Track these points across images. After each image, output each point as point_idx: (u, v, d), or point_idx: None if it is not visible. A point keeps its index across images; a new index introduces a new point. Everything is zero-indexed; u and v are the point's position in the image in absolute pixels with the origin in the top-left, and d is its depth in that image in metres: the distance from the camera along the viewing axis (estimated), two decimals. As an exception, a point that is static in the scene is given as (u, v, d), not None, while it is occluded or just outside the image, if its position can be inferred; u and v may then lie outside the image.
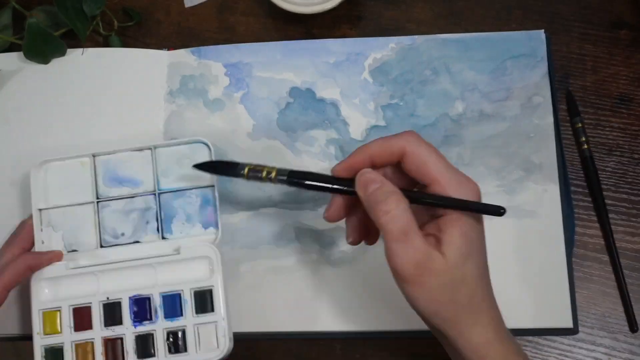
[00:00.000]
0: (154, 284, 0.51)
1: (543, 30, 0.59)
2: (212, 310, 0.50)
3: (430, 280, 0.39)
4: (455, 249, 0.40)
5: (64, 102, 0.60)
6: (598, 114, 0.57)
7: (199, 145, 0.55)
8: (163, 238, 0.53)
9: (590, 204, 0.55)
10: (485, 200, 0.54)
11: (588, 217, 0.55)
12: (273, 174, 0.46)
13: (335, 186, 0.43)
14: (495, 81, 0.58)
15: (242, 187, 0.57)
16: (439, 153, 0.42)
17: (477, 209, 0.41)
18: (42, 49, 0.60)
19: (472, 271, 0.40)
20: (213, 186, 0.54)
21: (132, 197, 0.54)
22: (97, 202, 0.54)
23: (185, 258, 0.51)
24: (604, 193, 0.55)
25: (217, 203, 0.53)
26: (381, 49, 0.60)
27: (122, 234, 0.54)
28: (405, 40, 0.60)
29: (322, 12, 0.59)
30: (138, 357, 0.50)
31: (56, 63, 0.62)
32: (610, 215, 0.55)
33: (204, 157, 0.54)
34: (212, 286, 0.50)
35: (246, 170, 0.47)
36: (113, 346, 0.50)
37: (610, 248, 0.54)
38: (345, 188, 0.43)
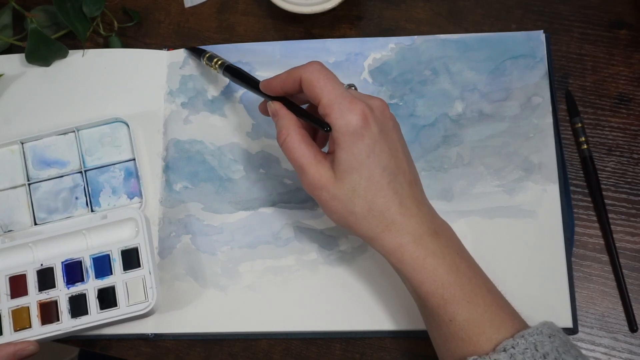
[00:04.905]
0: (84, 248, 0.54)
1: (542, 30, 0.59)
2: (139, 266, 0.53)
3: (322, 194, 0.45)
4: (339, 165, 0.44)
5: (65, 102, 0.61)
6: (597, 114, 0.57)
7: (119, 123, 0.59)
8: (92, 211, 0.58)
9: (589, 203, 0.55)
10: (485, 200, 0.55)
11: (588, 217, 0.55)
12: (218, 64, 0.56)
13: (252, 87, 0.52)
14: (494, 81, 0.58)
15: (241, 187, 0.57)
16: (331, 79, 0.45)
17: (310, 119, 0.46)
18: (44, 54, 0.60)
19: (361, 183, 0.44)
20: (134, 159, 0.58)
21: (61, 176, 0.58)
22: (29, 184, 0.58)
23: (113, 222, 0.54)
24: (604, 193, 0.55)
25: (139, 174, 0.57)
26: (381, 49, 0.60)
27: (55, 211, 0.58)
28: (404, 40, 0.60)
29: (322, 12, 0.59)
30: (72, 316, 0.53)
31: (57, 65, 0.62)
32: (610, 215, 0.55)
33: (123, 134, 0.59)
34: (138, 244, 0.54)
35: (206, 56, 0.58)
36: (48, 308, 0.53)
37: (610, 248, 0.54)
38: (256, 90, 0.51)
